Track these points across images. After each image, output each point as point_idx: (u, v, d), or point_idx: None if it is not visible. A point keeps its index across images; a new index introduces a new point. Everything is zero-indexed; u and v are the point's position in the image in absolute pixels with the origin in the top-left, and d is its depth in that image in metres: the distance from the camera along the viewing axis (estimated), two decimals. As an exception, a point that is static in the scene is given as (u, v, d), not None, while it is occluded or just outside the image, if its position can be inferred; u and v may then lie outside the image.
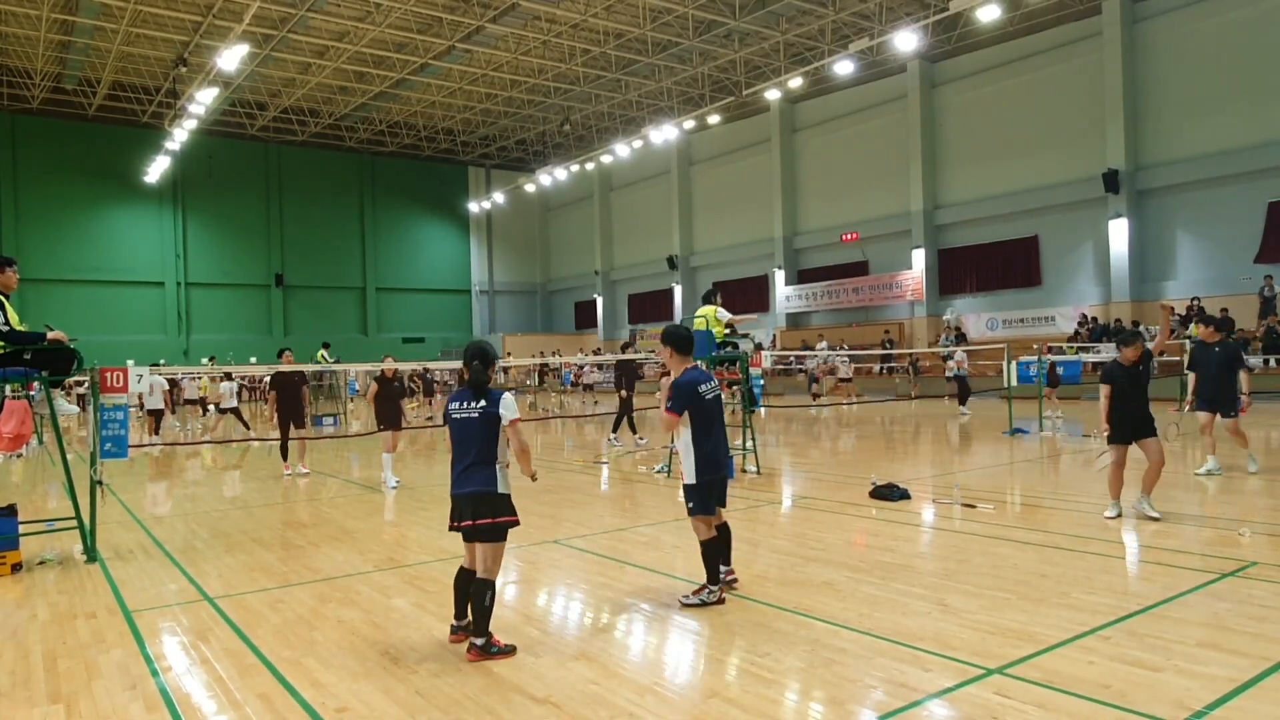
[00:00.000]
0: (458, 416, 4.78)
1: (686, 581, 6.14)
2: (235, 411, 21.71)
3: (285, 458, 12.70)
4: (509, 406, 4.81)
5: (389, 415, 11.52)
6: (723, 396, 5.80)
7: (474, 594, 4.64)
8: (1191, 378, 10.81)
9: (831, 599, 5.55)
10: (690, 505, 5.52)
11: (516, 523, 4.81)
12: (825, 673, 4.29)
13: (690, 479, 5.46)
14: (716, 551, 5.52)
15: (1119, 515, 7.77)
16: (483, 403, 4.77)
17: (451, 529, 4.83)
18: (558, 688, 4.19)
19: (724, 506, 5.74)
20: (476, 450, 4.73)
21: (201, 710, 4.08)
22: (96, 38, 30.28)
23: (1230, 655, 4.33)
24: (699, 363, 5.76)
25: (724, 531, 5.73)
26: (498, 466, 4.78)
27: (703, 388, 5.45)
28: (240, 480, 12.89)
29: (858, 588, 5.79)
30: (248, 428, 21.88)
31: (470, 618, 4.73)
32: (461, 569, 4.95)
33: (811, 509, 8.98)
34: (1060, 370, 18.72)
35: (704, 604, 5.43)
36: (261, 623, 5.40)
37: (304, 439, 13.10)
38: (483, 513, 4.69)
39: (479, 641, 4.58)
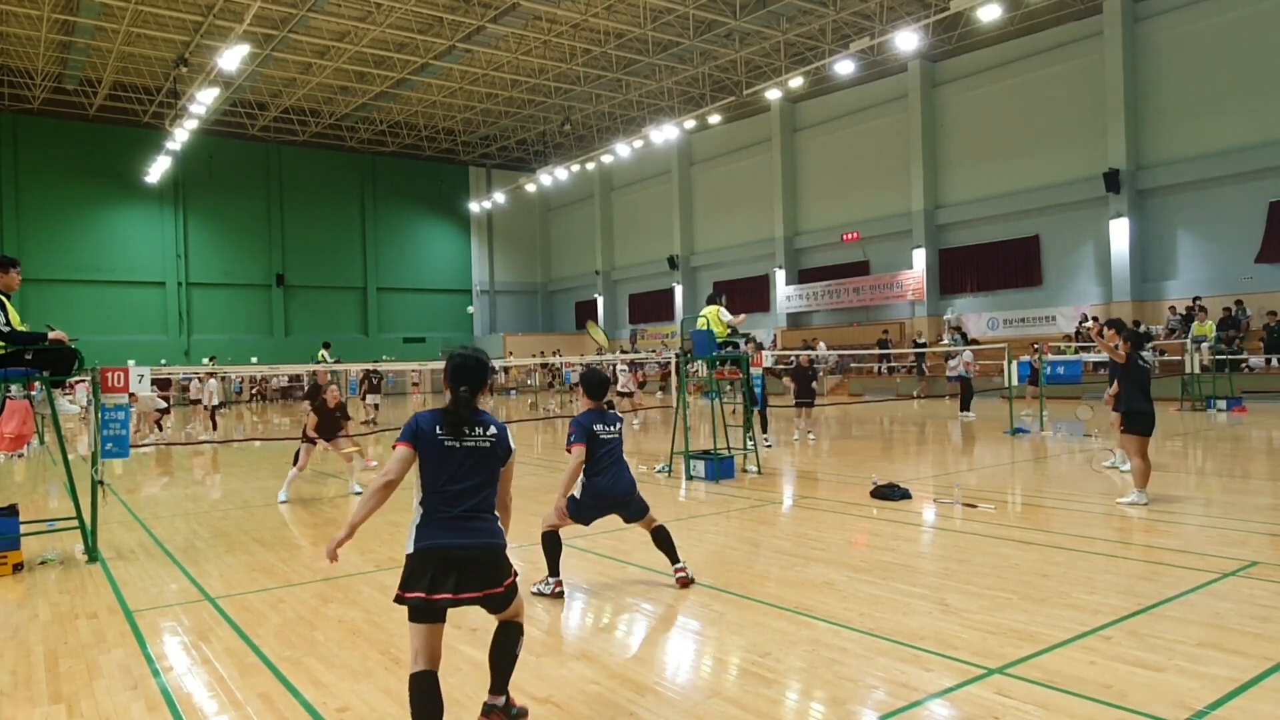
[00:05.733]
0: (454, 445, 3.52)
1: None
2: (213, 410, 22.03)
3: (295, 462, 12.51)
4: (512, 439, 3.72)
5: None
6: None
7: (505, 638, 3.65)
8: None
9: (832, 599, 5.55)
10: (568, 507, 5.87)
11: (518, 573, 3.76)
12: (826, 672, 4.28)
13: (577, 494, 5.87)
14: (555, 547, 5.90)
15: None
16: (492, 430, 3.59)
17: (433, 599, 3.34)
18: (559, 687, 4.19)
19: (628, 519, 6.06)
20: (478, 493, 3.54)
21: (203, 710, 4.08)
22: (97, 38, 30.28)
23: (1232, 655, 4.33)
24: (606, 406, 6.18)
25: (660, 532, 6.07)
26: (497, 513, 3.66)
27: (597, 427, 5.84)
28: (241, 480, 12.89)
29: (859, 587, 5.79)
30: (214, 428, 21.90)
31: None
32: (421, 675, 3.35)
33: (812, 509, 8.97)
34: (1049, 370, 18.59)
35: (539, 594, 5.79)
36: (262, 622, 5.40)
37: (351, 438, 13.08)
38: (492, 577, 3.50)
39: (499, 702, 3.65)
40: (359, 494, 10.77)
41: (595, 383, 6.01)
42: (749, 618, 5.21)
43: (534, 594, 5.79)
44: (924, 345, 28.22)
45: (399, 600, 3.38)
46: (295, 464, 10.89)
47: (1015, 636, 4.69)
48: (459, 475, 3.50)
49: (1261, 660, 4.25)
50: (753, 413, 12.46)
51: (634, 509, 6.02)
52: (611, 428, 5.92)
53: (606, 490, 5.85)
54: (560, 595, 5.82)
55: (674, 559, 6.03)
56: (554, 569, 5.90)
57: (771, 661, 4.46)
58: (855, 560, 6.58)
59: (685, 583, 5.94)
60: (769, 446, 14.22)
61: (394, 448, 3.52)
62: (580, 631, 5.20)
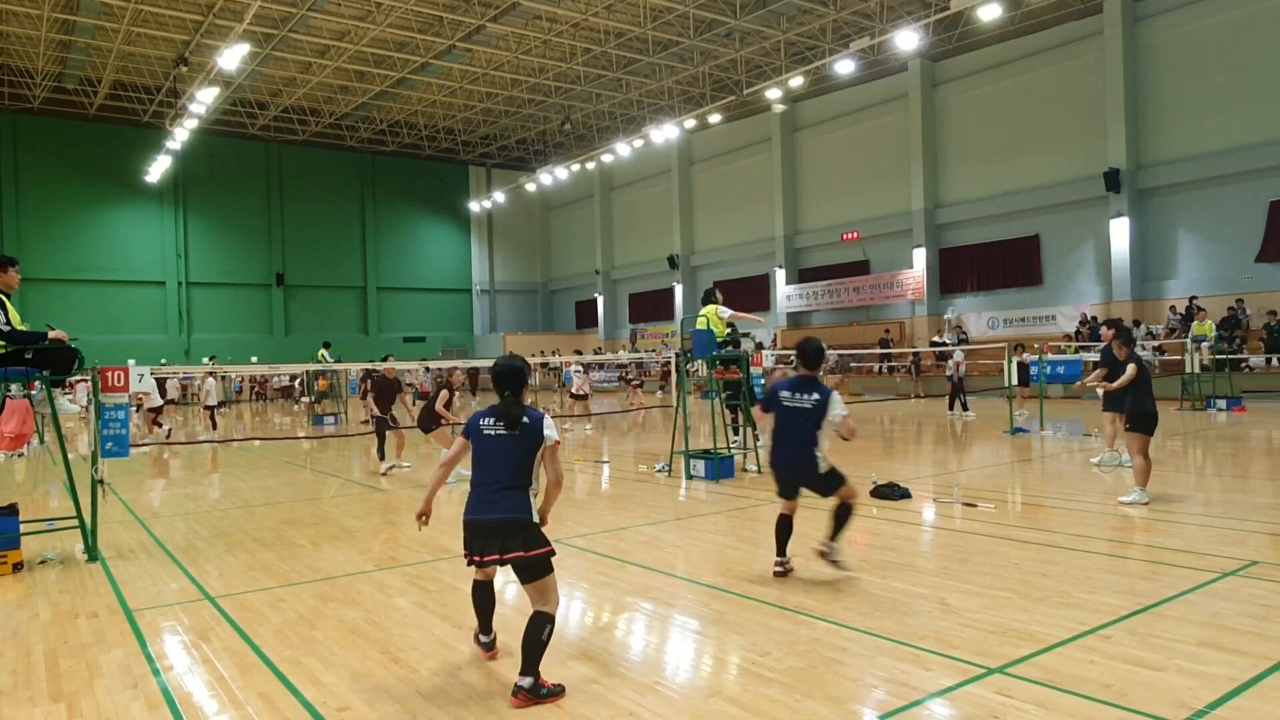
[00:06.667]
0: (493, 433, 4.27)
1: (687, 581, 6.15)
2: (213, 409, 22.00)
3: (382, 457, 13.00)
4: (551, 427, 4.33)
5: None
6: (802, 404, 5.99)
7: (531, 627, 4.05)
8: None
9: (832, 598, 5.55)
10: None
11: (553, 551, 4.22)
12: (826, 672, 4.29)
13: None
14: (781, 530, 6.13)
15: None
16: (525, 420, 4.25)
17: (472, 563, 4.24)
18: (558, 687, 4.19)
19: (821, 495, 6.05)
20: (507, 472, 4.20)
21: (203, 709, 4.08)
22: (97, 37, 30.28)
23: (1231, 654, 4.34)
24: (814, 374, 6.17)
25: (842, 508, 5.98)
26: (531, 492, 4.26)
27: (784, 393, 5.99)
28: (241, 479, 12.88)
29: (859, 587, 5.79)
30: (214, 428, 21.88)
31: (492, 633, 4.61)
32: (477, 583, 4.57)
33: (812, 508, 8.96)
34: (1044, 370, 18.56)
35: (776, 574, 6.09)
36: (262, 622, 5.41)
37: (400, 434, 13.47)
38: (513, 544, 4.10)
39: (525, 683, 3.96)
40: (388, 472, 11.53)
41: (809, 351, 6.14)
42: (749, 617, 5.21)
43: (775, 574, 6.09)
44: (943, 344, 27.10)
45: (467, 556, 4.28)
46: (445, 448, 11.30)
47: (1015, 636, 4.70)
48: (492, 459, 4.26)
49: (1261, 660, 4.25)
50: (751, 413, 12.43)
51: (816, 486, 5.96)
52: (801, 396, 5.89)
53: (774, 455, 6.00)
54: (785, 574, 6.04)
55: (833, 535, 5.96)
56: (779, 549, 6.10)
57: (771, 661, 4.46)
58: (855, 559, 6.58)
59: (822, 555, 5.94)
60: (737, 445, 13.44)
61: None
62: (580, 631, 5.19)
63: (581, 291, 49.67)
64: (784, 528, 6.09)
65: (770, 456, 6.10)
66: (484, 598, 4.58)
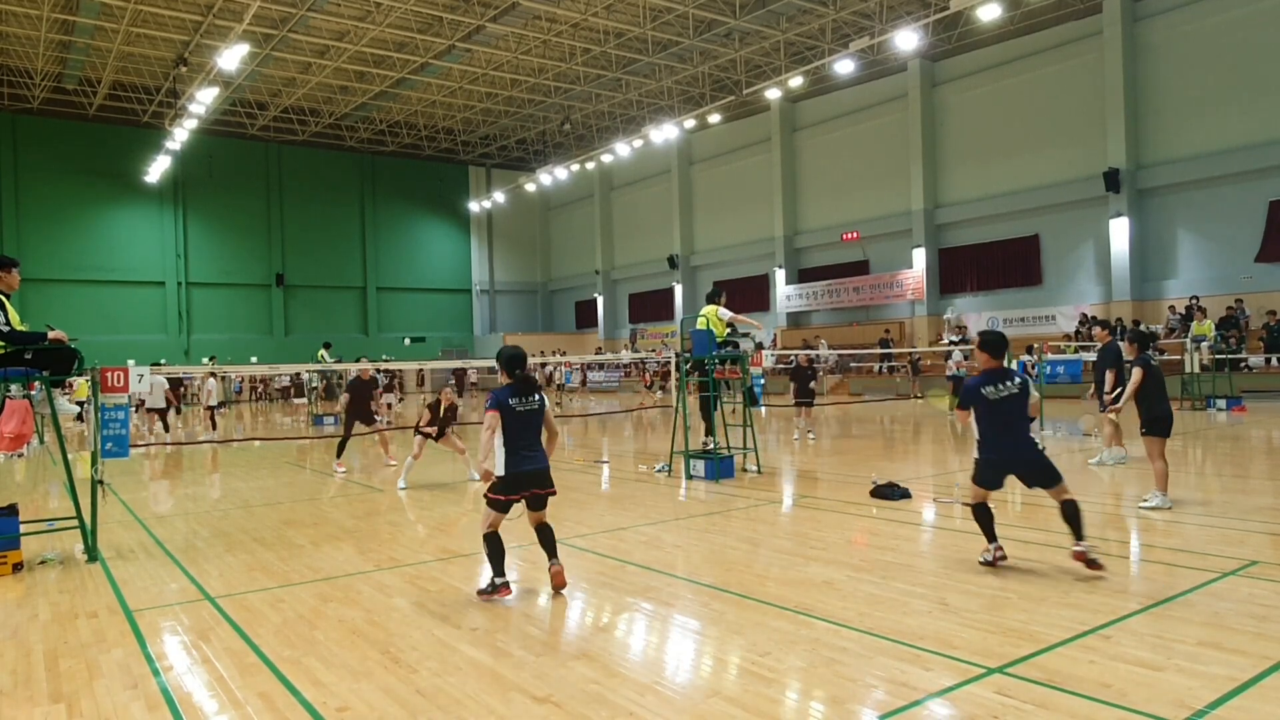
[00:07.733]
0: (523, 409, 5.70)
1: (687, 581, 6.15)
2: (213, 409, 22.04)
3: (339, 455, 13.27)
4: (546, 397, 5.96)
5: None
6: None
7: (547, 532, 5.88)
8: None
9: (832, 598, 5.55)
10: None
11: None
12: (826, 672, 4.29)
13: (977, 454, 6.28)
14: (984, 517, 6.21)
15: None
16: (537, 396, 5.81)
17: (522, 497, 5.75)
18: (559, 687, 4.19)
19: (1045, 487, 6.05)
20: (536, 435, 5.78)
21: (203, 709, 4.08)
22: (97, 37, 30.28)
23: (1231, 654, 4.33)
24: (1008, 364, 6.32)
25: (1069, 506, 5.90)
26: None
27: (986, 389, 6.07)
28: (241, 479, 12.88)
29: (858, 587, 5.79)
30: (214, 428, 21.88)
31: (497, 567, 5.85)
32: (494, 534, 5.79)
33: (812, 508, 8.97)
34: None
35: (983, 563, 6.15)
36: (262, 622, 5.41)
37: (383, 433, 13.76)
38: (549, 483, 5.83)
39: (559, 562, 5.83)
40: (404, 489, 11.09)
41: (992, 341, 6.24)
42: (749, 617, 5.21)
43: (981, 563, 6.15)
44: (955, 343, 27.09)
45: (501, 503, 5.74)
46: (413, 455, 11.47)
47: (1015, 636, 4.70)
48: (525, 426, 5.74)
49: (1261, 660, 4.25)
50: (751, 413, 12.42)
51: (1034, 475, 6.07)
52: (1004, 385, 6.05)
53: (993, 447, 6.08)
54: (998, 562, 6.10)
55: (1079, 535, 5.84)
56: (990, 536, 6.18)
57: (771, 661, 4.46)
58: (855, 560, 6.58)
59: (1085, 560, 5.74)
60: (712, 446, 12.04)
61: (486, 413, 5.70)
62: (580, 631, 5.19)
63: (581, 291, 49.67)
64: (987, 514, 6.19)
65: (985, 450, 6.14)
66: (500, 544, 5.80)
